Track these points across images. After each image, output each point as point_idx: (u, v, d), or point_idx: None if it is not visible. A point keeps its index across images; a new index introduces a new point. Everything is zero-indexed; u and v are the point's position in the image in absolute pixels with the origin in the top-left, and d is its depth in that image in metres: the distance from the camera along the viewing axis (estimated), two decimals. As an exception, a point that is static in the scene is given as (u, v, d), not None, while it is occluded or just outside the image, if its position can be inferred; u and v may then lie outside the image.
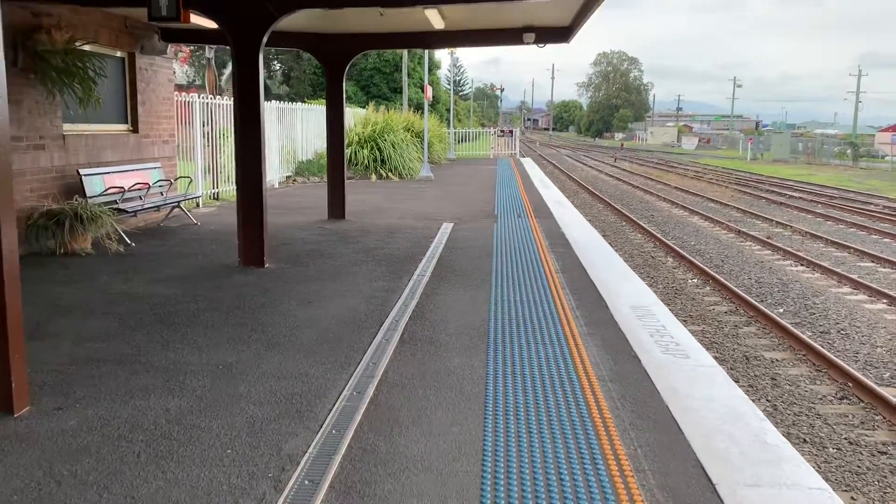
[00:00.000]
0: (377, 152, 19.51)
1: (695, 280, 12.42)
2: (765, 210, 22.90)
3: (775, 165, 50.96)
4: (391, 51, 45.20)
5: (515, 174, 22.06)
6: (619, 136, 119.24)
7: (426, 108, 20.18)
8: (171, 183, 10.85)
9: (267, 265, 7.61)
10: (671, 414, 3.74)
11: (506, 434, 3.52)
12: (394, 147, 19.71)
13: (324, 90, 42.52)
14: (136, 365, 4.55)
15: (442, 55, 52.97)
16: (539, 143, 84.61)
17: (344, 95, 11.12)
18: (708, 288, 11.84)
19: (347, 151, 19.42)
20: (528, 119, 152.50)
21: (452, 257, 8.32)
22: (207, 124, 13.30)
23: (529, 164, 27.73)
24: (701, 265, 13.09)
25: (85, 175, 8.87)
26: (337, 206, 11.32)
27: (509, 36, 10.50)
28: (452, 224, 11.07)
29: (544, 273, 7.37)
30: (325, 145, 21.41)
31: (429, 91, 20.12)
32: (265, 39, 7.38)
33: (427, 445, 3.41)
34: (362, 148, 19.52)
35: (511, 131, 34.42)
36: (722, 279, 11.98)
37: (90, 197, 8.79)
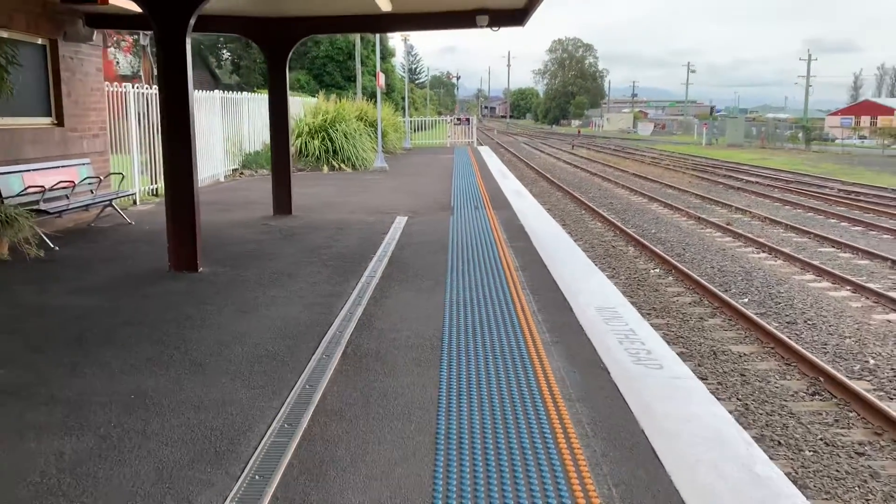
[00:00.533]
0: (329, 143, 18.81)
1: (657, 270, 12.10)
2: (723, 195, 22.83)
3: (730, 150, 51.46)
4: (344, 38, 44.27)
5: (473, 163, 21.58)
6: (575, 122, 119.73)
7: (379, 96, 19.52)
8: (101, 180, 10.08)
9: (201, 269, 6.98)
10: (648, 440, 3.28)
11: (459, 475, 3.01)
12: (346, 137, 19.04)
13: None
14: (34, 396, 3.92)
15: (396, 43, 52.18)
16: (497, 130, 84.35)
17: (287, 83, 10.46)
18: (671, 278, 11.53)
19: (297, 142, 18.71)
20: (486, 107, 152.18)
21: (405, 255, 7.79)
22: (145, 116, 12.49)
23: (487, 153, 27.27)
24: (662, 254, 12.78)
25: (0, 174, 8.09)
26: (283, 201, 10.68)
27: (462, 19, 9.96)
28: (406, 218, 10.53)
29: (503, 270, 6.88)
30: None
31: (381, 78, 19.46)
32: (192, 23, 6.72)
33: (367, 493, 2.89)
34: (313, 138, 18.81)
35: (468, 119, 33.89)
36: (684, 268, 11.68)
37: (7, 198, 8.02)
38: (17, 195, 8.25)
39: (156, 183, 13.10)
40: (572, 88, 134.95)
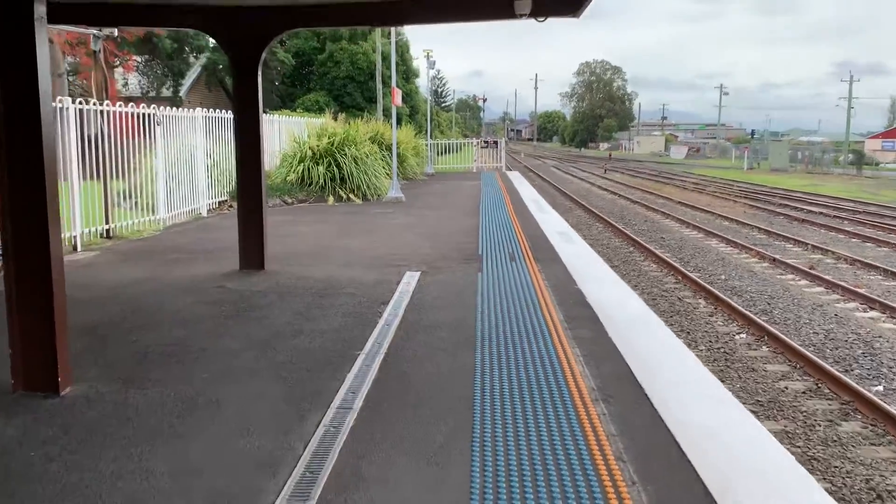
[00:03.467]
0: (335, 169, 16.15)
1: (742, 335, 9.20)
2: (789, 229, 19.77)
3: (775, 175, 48.16)
4: (365, 58, 42.01)
5: (503, 192, 18.78)
6: (604, 145, 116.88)
7: (394, 114, 16.84)
8: None
9: (68, 389, 4.21)
10: None
11: None
12: (356, 162, 16.37)
13: (293, 100, 38.32)
14: None
15: (420, 63, 49.81)
16: (524, 153, 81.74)
17: (260, 94, 7.79)
18: (765, 349, 8.68)
19: (299, 168, 16.08)
20: (512, 130, 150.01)
21: (409, 353, 4.98)
22: (101, 137, 9.91)
23: (518, 179, 24.47)
24: (745, 312, 9.88)
25: None
26: (252, 252, 7.95)
27: (495, 6, 7.25)
28: (419, 274, 7.74)
29: (571, 403, 4.03)
30: (273, 161, 18.14)
31: (398, 95, 16.82)
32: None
33: None
34: (317, 164, 16.16)
35: (496, 142, 31.20)
36: (780, 334, 8.81)
37: None
38: None
39: (111, 221, 10.47)
40: (600, 111, 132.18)
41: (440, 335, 5.39)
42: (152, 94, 42.49)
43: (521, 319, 5.81)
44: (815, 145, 64.47)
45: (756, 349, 8.75)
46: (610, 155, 70.60)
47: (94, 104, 9.83)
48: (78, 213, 9.52)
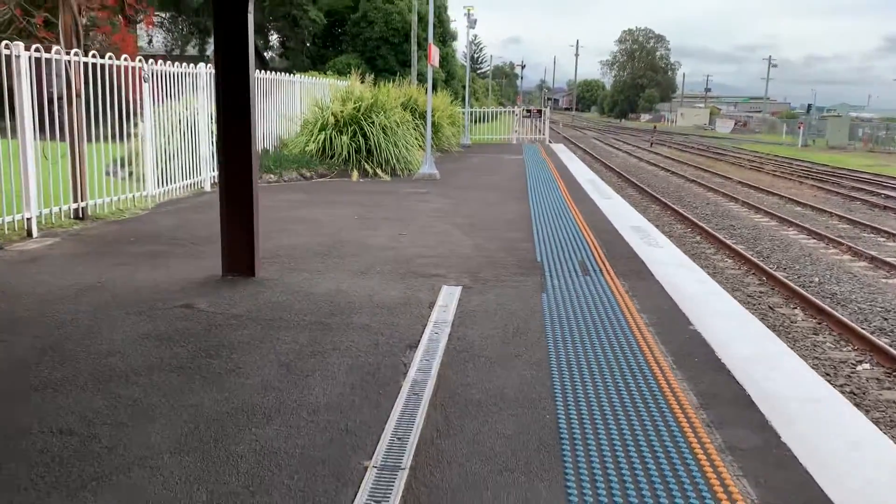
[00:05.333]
0: (361, 140, 14.07)
1: (866, 365, 7.08)
2: (873, 218, 17.27)
3: (833, 154, 44.91)
4: (401, 18, 39.55)
5: (551, 169, 16.56)
6: (644, 117, 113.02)
7: (430, 76, 14.60)
8: None
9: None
10: None
11: None
12: (385, 132, 14.27)
13: (324, 63, 35.92)
14: None
15: (458, 26, 47.20)
16: (562, 123, 78.67)
17: (250, 37, 5.71)
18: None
19: (320, 137, 14.04)
20: (549, 99, 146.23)
21: (450, 470, 2.95)
22: (56, 95, 7.97)
23: (564, 154, 22.16)
24: (861, 331, 7.72)
25: None
26: (238, 250, 5.94)
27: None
28: (459, 291, 5.70)
29: None
30: (292, 128, 16.08)
31: (434, 52, 14.59)
32: None
33: None
34: (341, 133, 14.08)
35: (539, 112, 28.79)
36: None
37: None
38: None
39: (81, 199, 8.55)
40: (642, 81, 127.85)
41: (499, 427, 3.33)
42: (176, 52, 40.66)
43: (625, 393, 3.74)
44: (875, 122, 60.51)
45: (887, 385, 6.62)
46: (655, 127, 67.45)
47: (58, 53, 7.84)
48: (33, 192, 7.60)
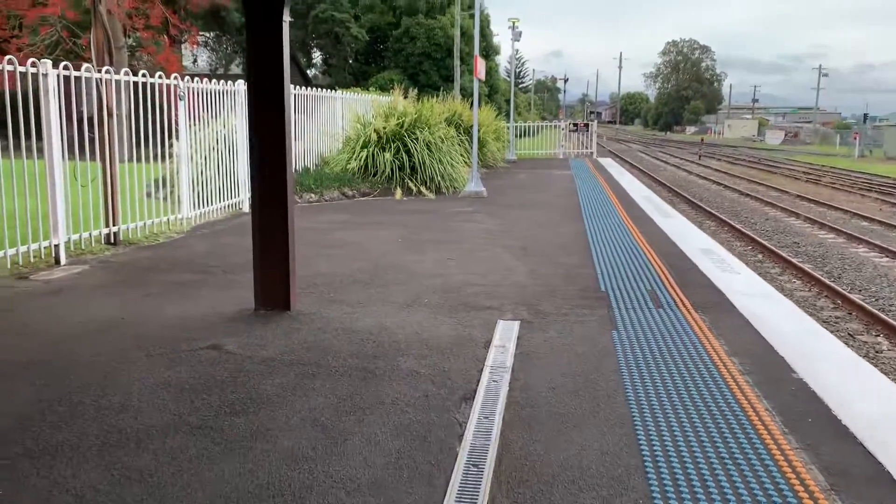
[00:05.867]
0: (404, 156, 13.56)
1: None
2: (954, 236, 16.09)
3: (891, 164, 43.08)
4: (443, 34, 39.24)
5: (602, 185, 15.82)
6: (690, 129, 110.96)
7: (476, 90, 14.03)
8: None
9: None
10: None
11: None
12: (429, 148, 13.73)
13: (366, 79, 35.56)
14: None
15: (501, 40, 46.80)
16: (605, 137, 77.49)
17: (285, 54, 5.20)
18: None
19: (363, 155, 13.56)
20: (592, 112, 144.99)
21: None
22: (87, 114, 7.60)
23: (614, 168, 21.38)
24: None
25: None
26: (272, 281, 5.40)
27: None
28: (517, 326, 5.06)
29: None
30: (334, 145, 15.66)
31: (481, 65, 14.02)
32: None
33: None
34: (383, 150, 13.59)
35: (587, 125, 28.00)
36: None
37: None
38: None
39: (114, 223, 8.16)
40: (687, 93, 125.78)
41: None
42: (220, 71, 40.97)
43: (732, 468, 3.04)
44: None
45: None
46: (702, 140, 65.87)
47: (88, 71, 7.47)
48: (60, 216, 7.21)
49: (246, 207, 11.03)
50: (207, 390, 3.89)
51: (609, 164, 23.54)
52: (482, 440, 3.29)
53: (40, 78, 6.87)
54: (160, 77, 8.79)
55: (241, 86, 10.88)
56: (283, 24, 5.23)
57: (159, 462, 3.08)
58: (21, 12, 22.04)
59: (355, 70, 43.55)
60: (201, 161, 9.98)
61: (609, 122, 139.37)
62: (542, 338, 4.85)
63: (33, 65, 6.77)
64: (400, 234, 9.27)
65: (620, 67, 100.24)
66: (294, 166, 13.04)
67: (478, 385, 3.97)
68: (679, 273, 6.80)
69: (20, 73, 6.67)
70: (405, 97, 15.19)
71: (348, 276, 6.75)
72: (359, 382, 4.02)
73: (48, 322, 5.20)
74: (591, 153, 26.97)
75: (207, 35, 38.62)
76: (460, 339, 4.81)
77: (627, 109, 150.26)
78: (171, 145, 9.58)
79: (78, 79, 7.40)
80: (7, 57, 6.47)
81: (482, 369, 4.22)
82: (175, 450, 3.19)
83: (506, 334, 4.90)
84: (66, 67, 7.15)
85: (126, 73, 8.15)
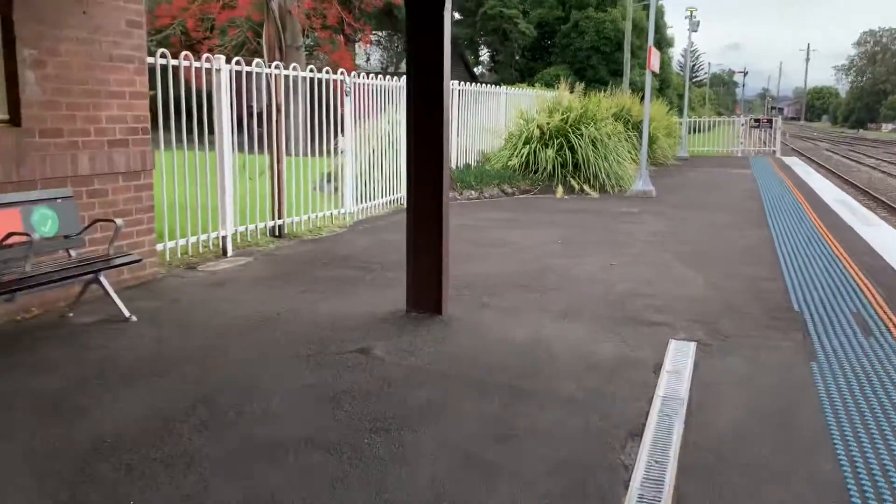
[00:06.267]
0: (567, 153, 12.99)
1: None
2: None
3: None
4: (613, 26, 37.91)
5: (790, 187, 14.35)
6: (887, 126, 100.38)
7: (648, 82, 13.13)
8: (117, 225, 5.24)
9: None
10: None
11: None
12: (594, 145, 13.06)
13: (532, 75, 35.26)
14: None
15: (675, 32, 44.54)
16: (788, 134, 71.76)
17: (446, 49, 4.90)
18: None
19: (524, 151, 13.17)
20: (773, 108, 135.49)
21: None
22: (256, 109, 7.78)
23: (801, 168, 19.48)
24: None
25: None
26: (424, 282, 5.14)
27: None
28: (693, 348, 4.44)
29: None
30: (496, 141, 15.32)
31: (654, 57, 13.11)
32: None
33: None
34: (546, 147, 13.10)
35: (770, 121, 25.84)
36: None
37: None
38: None
39: (279, 217, 8.33)
40: (884, 86, 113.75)
41: None
42: (391, 69, 42.12)
43: None
44: None
45: None
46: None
47: (258, 66, 7.62)
48: (229, 210, 7.41)
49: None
50: (350, 400, 3.65)
51: (794, 162, 21.52)
52: (653, 492, 2.77)
53: (213, 73, 7.07)
54: (327, 72, 8.86)
55: (405, 82, 10.83)
56: (444, 18, 4.92)
57: (291, 483, 2.84)
58: (213, 15, 23.74)
59: (521, 66, 43.19)
60: (365, 156, 10.02)
61: (792, 118, 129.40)
62: (723, 366, 4.20)
63: (207, 60, 6.98)
64: (559, 234, 8.77)
65: (808, 59, 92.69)
66: (455, 163, 12.91)
67: (647, 419, 3.44)
68: (891, 294, 5.78)
69: (195, 69, 6.90)
70: (571, 92, 14.58)
71: (504, 278, 6.38)
72: (510, 403, 3.62)
73: (207, 315, 5.25)
74: (774, 151, 24.84)
75: (380, 34, 39.82)
76: (626, 360, 4.27)
77: (814, 105, 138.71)
78: (335, 140, 9.69)
79: (249, 74, 7.56)
80: (184, 53, 6.70)
81: (652, 399, 3.68)
82: (309, 469, 2.96)
83: (679, 358, 4.30)
84: (237, 63, 7.32)
85: (294, 69, 8.27)
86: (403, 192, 10.94)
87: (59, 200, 5.15)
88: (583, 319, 5.12)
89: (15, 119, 5.05)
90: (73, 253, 5.20)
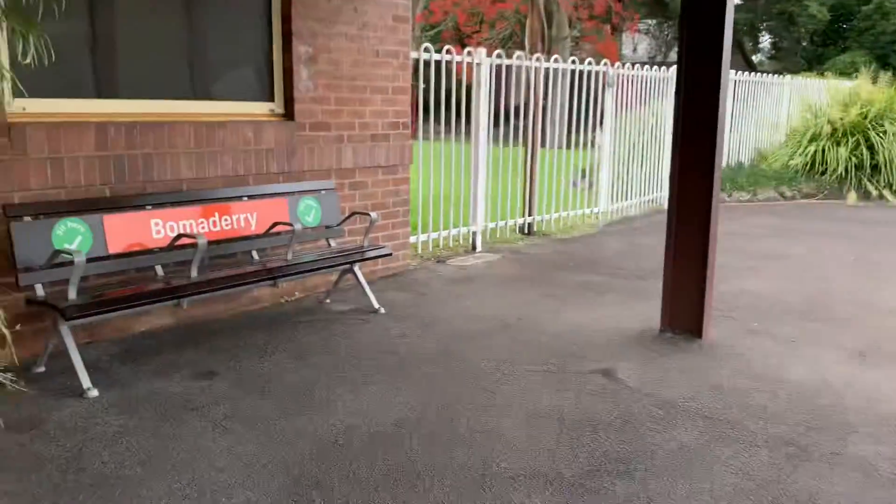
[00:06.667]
0: (865, 153, 11.21)
1: None
2: None
3: None
4: (928, 5, 32.47)
5: None
6: None
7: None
8: (370, 219, 5.38)
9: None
10: None
11: None
12: (899, 143, 11.13)
13: (821, 63, 31.62)
14: None
15: None
16: None
17: (727, 40, 4.25)
18: None
19: (809, 150, 11.63)
20: None
21: None
22: (514, 103, 7.62)
23: None
24: None
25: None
26: (682, 298, 4.55)
27: None
28: None
29: None
30: (774, 137, 13.71)
31: None
32: None
33: None
34: (838, 145, 11.42)
35: None
36: None
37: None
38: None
39: (530, 214, 8.13)
40: None
41: None
42: (659, 58, 40.19)
43: None
44: None
45: None
46: None
47: (518, 59, 7.42)
48: (481, 201, 7.34)
49: (665, 204, 10.21)
50: (588, 432, 3.26)
51: None
52: None
53: (474, 67, 7.01)
54: (589, 63, 8.44)
55: (673, 73, 10.04)
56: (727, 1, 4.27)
57: (516, 525, 2.54)
58: (482, 9, 24.35)
59: (809, 53, 38.82)
60: (624, 151, 9.46)
61: None
62: None
63: (469, 54, 6.93)
64: (852, 249, 7.50)
65: None
66: (725, 160, 11.77)
67: (979, 514, 2.61)
68: None
69: (457, 63, 6.88)
70: (874, 82, 12.57)
71: (778, 300, 5.52)
72: (784, 464, 2.98)
73: (450, 313, 5.16)
74: None
75: (649, 22, 38.17)
76: (944, 424, 3.36)
77: None
78: (595, 134, 9.26)
79: (509, 67, 7.41)
80: (445, 47, 6.70)
81: None
82: (537, 511, 2.64)
83: None
84: (498, 56, 7.19)
85: (556, 61, 7.97)
86: (662, 192, 10.19)
87: (323, 192, 5.38)
88: (885, 363, 4.20)
89: (289, 113, 5.35)
90: (332, 243, 5.41)
